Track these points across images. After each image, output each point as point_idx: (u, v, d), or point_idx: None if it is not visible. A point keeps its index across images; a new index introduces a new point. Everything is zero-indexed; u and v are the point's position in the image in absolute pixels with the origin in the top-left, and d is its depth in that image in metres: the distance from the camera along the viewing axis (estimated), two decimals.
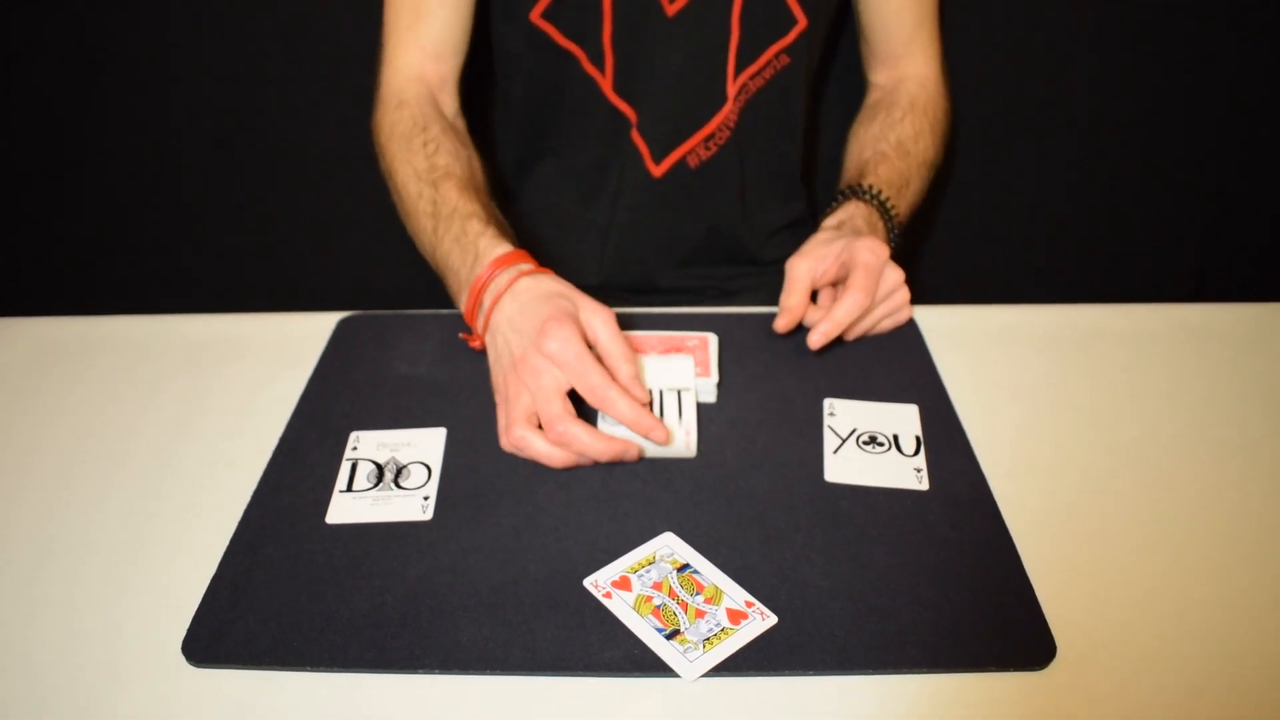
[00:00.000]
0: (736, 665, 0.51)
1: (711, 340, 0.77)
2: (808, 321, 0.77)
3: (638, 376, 0.66)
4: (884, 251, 0.76)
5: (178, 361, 0.78)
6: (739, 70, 0.89)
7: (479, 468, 0.65)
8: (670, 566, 0.57)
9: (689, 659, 0.51)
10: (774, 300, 0.79)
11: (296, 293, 1.25)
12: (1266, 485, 0.65)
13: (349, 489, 0.63)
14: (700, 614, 0.54)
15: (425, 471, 0.65)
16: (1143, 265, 1.26)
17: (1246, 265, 1.26)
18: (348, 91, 1.09)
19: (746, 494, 0.63)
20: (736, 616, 0.54)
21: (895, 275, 0.77)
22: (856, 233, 0.80)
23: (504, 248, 0.73)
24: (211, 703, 0.50)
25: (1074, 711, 0.50)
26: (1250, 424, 0.71)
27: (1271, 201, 1.21)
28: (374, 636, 0.53)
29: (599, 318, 0.67)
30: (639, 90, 0.89)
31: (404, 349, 0.78)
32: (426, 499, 0.63)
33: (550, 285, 0.69)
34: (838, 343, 0.77)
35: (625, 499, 0.63)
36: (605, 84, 0.89)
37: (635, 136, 0.91)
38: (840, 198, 0.87)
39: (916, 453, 0.67)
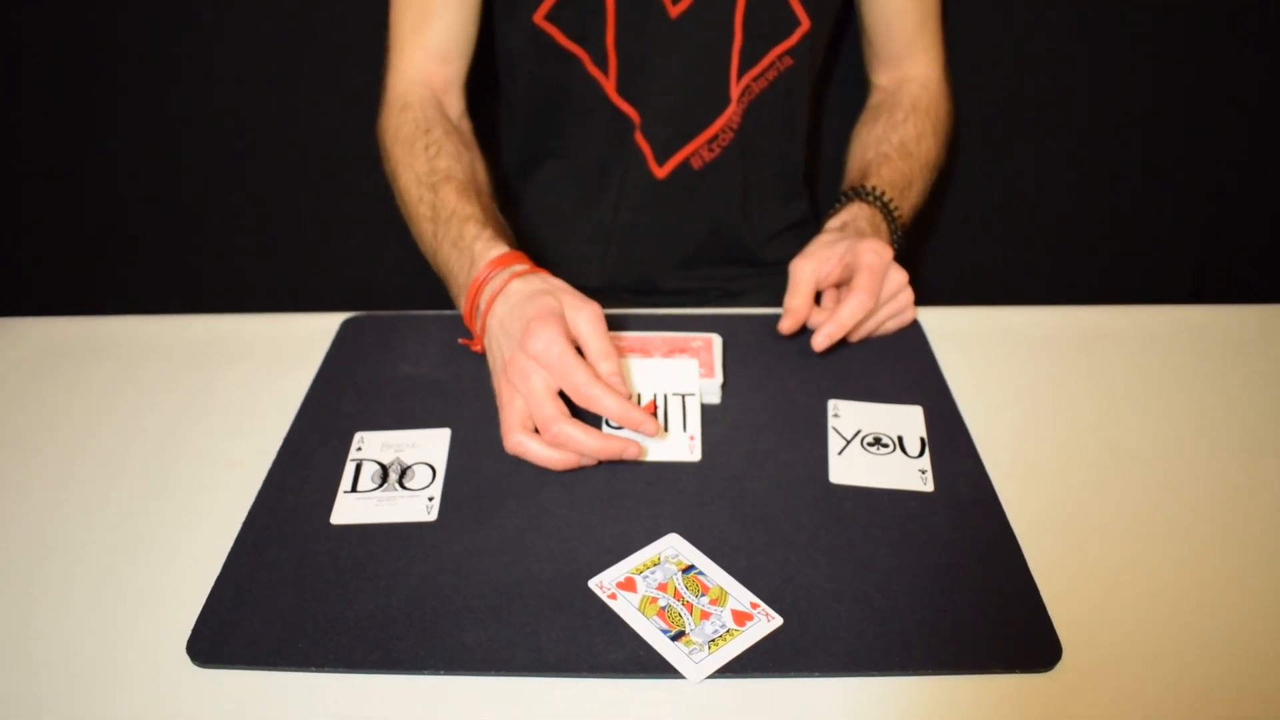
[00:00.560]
0: (742, 667, 0.51)
1: (715, 341, 0.77)
2: (812, 323, 0.77)
3: (619, 373, 0.66)
4: (888, 253, 0.76)
5: (182, 362, 0.78)
6: (742, 72, 0.89)
7: (484, 468, 0.65)
8: (675, 568, 0.57)
9: (694, 660, 0.51)
10: (777, 301, 0.79)
11: (300, 293, 1.25)
12: (1270, 486, 0.65)
13: (353, 489, 0.63)
14: (705, 615, 0.54)
15: (430, 472, 0.65)
16: (1143, 266, 1.26)
17: (1247, 266, 1.26)
18: (352, 92, 1.09)
19: (751, 495, 0.63)
20: (742, 618, 0.54)
21: (899, 277, 0.77)
22: (860, 234, 0.80)
23: (499, 249, 0.73)
24: (216, 703, 0.50)
25: (1079, 713, 0.50)
26: (1253, 424, 0.71)
27: (1272, 202, 1.21)
28: (379, 637, 0.53)
29: (583, 314, 0.67)
30: (642, 92, 0.89)
31: (408, 349, 0.78)
32: (431, 500, 0.63)
33: (538, 284, 0.69)
34: (842, 344, 0.77)
35: (630, 500, 0.62)
36: (608, 86, 0.89)
37: (638, 138, 0.91)
38: (843, 199, 0.87)
39: (921, 454, 0.67)
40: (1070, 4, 1.06)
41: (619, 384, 0.65)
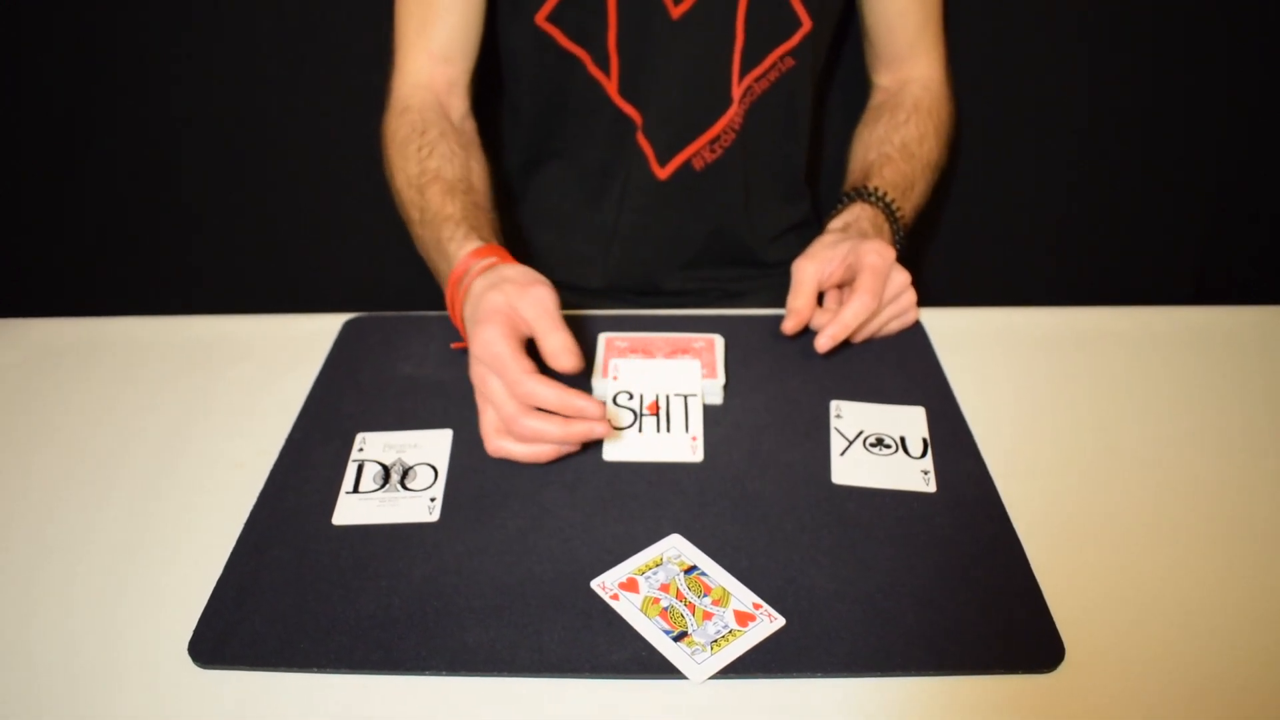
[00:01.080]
0: (744, 667, 0.51)
1: (717, 342, 0.77)
2: (815, 324, 0.77)
3: (569, 347, 0.64)
4: (890, 254, 0.76)
5: (183, 363, 0.78)
6: (744, 73, 0.89)
7: (485, 469, 0.65)
8: (678, 568, 0.57)
9: (696, 661, 0.51)
10: (779, 302, 0.79)
11: (302, 294, 1.25)
12: (1271, 486, 0.65)
13: (355, 490, 0.63)
14: (708, 616, 0.54)
15: (431, 473, 0.65)
16: (1144, 267, 1.26)
17: (1247, 267, 1.26)
18: (353, 92, 1.09)
19: (753, 496, 0.63)
20: (744, 618, 0.54)
21: (902, 277, 0.77)
22: (862, 235, 0.80)
23: (469, 246, 0.73)
24: (217, 704, 0.50)
25: (1082, 714, 0.50)
26: (1254, 425, 0.71)
27: (1272, 203, 1.21)
28: (380, 638, 0.53)
29: (526, 299, 0.65)
30: (644, 93, 0.89)
31: (410, 350, 0.78)
32: (433, 500, 0.62)
33: (488, 282, 0.68)
34: (844, 345, 0.77)
35: (632, 501, 0.62)
36: (610, 87, 0.89)
37: (640, 139, 0.91)
38: (845, 200, 0.87)
39: (923, 455, 0.66)
40: (1071, 5, 1.06)
41: (566, 359, 0.64)
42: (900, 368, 0.76)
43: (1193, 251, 1.25)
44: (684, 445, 0.67)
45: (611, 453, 0.67)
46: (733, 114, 0.90)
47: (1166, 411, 0.72)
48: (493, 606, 0.55)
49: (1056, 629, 0.53)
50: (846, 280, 0.78)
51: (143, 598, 0.57)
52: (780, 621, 0.53)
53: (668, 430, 0.68)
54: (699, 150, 0.92)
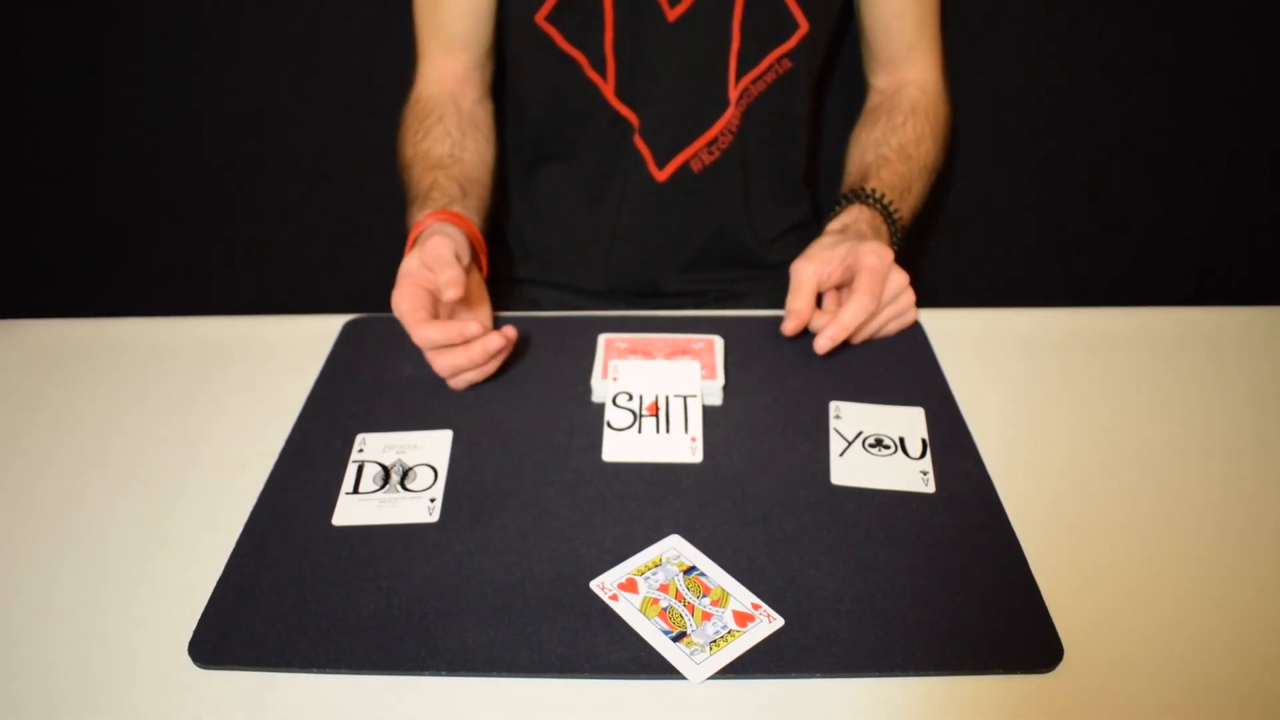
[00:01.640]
0: (743, 668, 0.51)
1: (717, 343, 0.77)
2: (814, 326, 0.77)
3: (455, 280, 0.69)
4: (889, 255, 0.76)
5: (184, 363, 0.79)
6: (740, 75, 0.89)
7: (485, 470, 0.65)
8: (677, 569, 0.57)
9: (696, 661, 0.51)
10: (779, 303, 0.79)
11: (303, 295, 1.25)
12: (1272, 487, 0.65)
13: (355, 491, 0.64)
14: (707, 616, 0.54)
15: (431, 474, 0.65)
16: (1145, 267, 1.26)
17: (1248, 267, 1.26)
18: (356, 95, 1.09)
19: (752, 497, 0.63)
20: (743, 619, 0.54)
21: (900, 278, 0.77)
22: (860, 237, 0.80)
23: (415, 219, 0.80)
24: (218, 704, 0.50)
25: (1081, 714, 0.50)
26: (1255, 426, 0.71)
27: (1273, 204, 1.21)
28: (380, 638, 0.53)
29: (418, 255, 0.72)
30: (641, 95, 0.89)
31: (410, 351, 0.78)
32: (433, 501, 0.63)
33: (415, 250, 0.74)
34: (844, 346, 0.77)
35: (631, 501, 0.63)
36: (607, 89, 0.89)
37: (638, 141, 0.91)
38: (843, 201, 0.87)
39: (922, 455, 0.67)
40: (1072, 6, 1.07)
41: (454, 286, 0.69)
42: (899, 368, 0.76)
43: (1192, 252, 1.25)
44: (683, 446, 0.67)
45: (611, 453, 0.67)
46: (730, 116, 0.90)
47: (1165, 412, 0.72)
48: (492, 607, 0.55)
49: (1055, 629, 0.53)
50: (845, 281, 0.78)
51: (143, 598, 0.57)
52: (779, 622, 0.53)
53: (667, 431, 0.68)
54: (697, 152, 0.92)
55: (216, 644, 0.53)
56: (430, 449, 0.67)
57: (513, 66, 0.96)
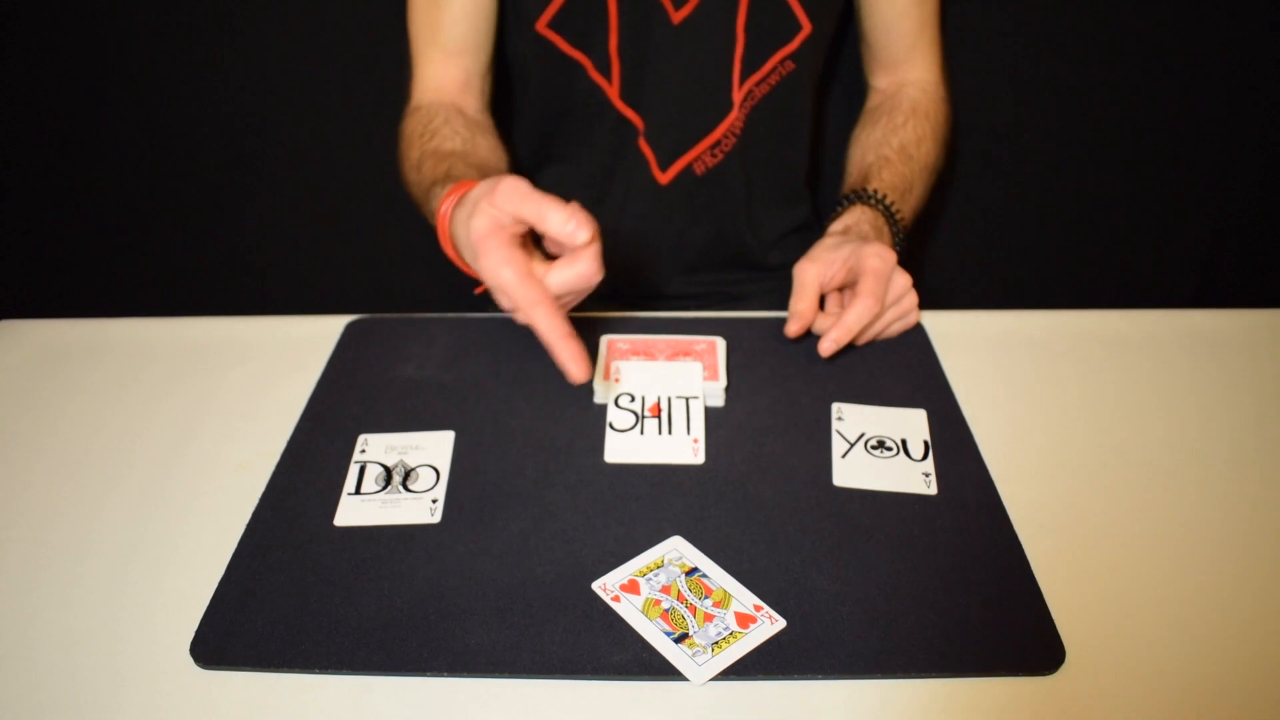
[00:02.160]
0: (745, 669, 0.51)
1: (719, 344, 0.77)
2: (817, 328, 0.77)
3: (576, 216, 0.60)
4: (892, 257, 0.76)
5: (186, 364, 0.79)
6: (744, 77, 0.89)
7: (487, 471, 0.65)
8: (679, 570, 0.57)
9: (698, 662, 0.51)
10: (781, 305, 0.79)
11: (305, 296, 1.26)
12: (1273, 489, 0.65)
13: (357, 492, 0.64)
14: (709, 618, 0.54)
15: (433, 474, 0.65)
16: (1147, 270, 1.26)
17: (1250, 270, 1.26)
18: (357, 95, 1.09)
19: (754, 498, 0.63)
20: (745, 620, 0.54)
21: (903, 280, 0.77)
22: (863, 238, 0.80)
23: (444, 193, 0.72)
24: (219, 705, 0.50)
25: (1083, 716, 0.50)
26: (1256, 429, 0.71)
27: (1275, 206, 1.21)
28: (382, 639, 0.53)
29: (502, 198, 0.61)
30: (645, 98, 0.89)
31: (412, 352, 0.78)
32: (435, 502, 0.63)
33: (463, 211, 0.66)
34: (847, 348, 0.77)
35: (633, 503, 0.62)
36: (612, 92, 0.89)
37: (642, 144, 0.91)
38: (845, 202, 0.87)
39: (924, 457, 0.66)
40: (1073, 7, 1.07)
41: (582, 230, 0.60)
42: (901, 370, 0.76)
43: (1194, 254, 1.25)
44: (685, 447, 0.67)
45: (613, 455, 0.67)
46: (733, 118, 0.90)
47: (1167, 414, 0.72)
48: (494, 608, 0.55)
49: (1057, 631, 0.53)
50: (848, 283, 0.78)
51: (145, 599, 0.57)
52: (781, 623, 0.53)
53: (669, 432, 0.68)
54: (700, 155, 0.92)
55: (218, 645, 0.53)
56: (432, 450, 0.67)
57: (514, 73, 0.96)
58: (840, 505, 0.62)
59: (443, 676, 0.51)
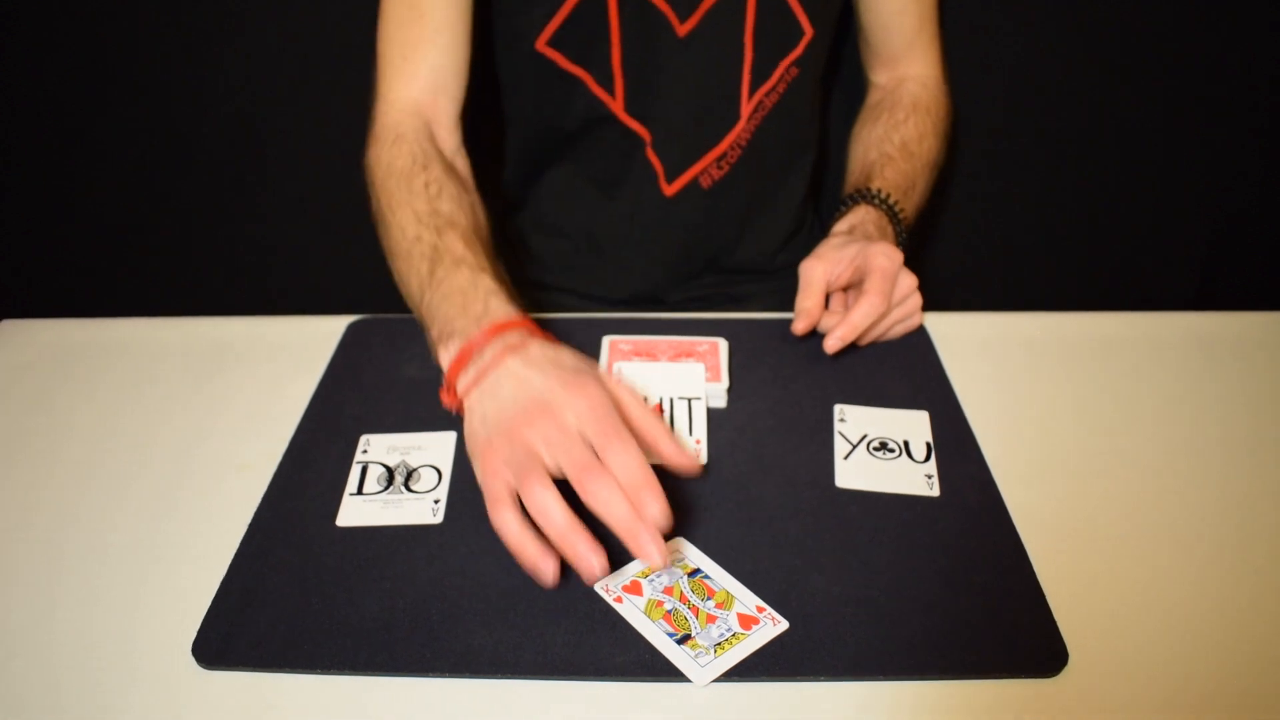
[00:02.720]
0: (747, 670, 0.51)
1: (721, 345, 0.77)
2: (823, 326, 0.76)
3: (677, 442, 0.57)
4: (899, 256, 0.76)
5: (188, 364, 0.79)
6: (754, 88, 0.88)
7: None
8: (681, 571, 0.57)
9: (700, 664, 0.51)
10: (783, 306, 0.79)
11: (307, 296, 1.26)
12: (1276, 492, 0.65)
13: (359, 492, 0.63)
14: (711, 619, 0.54)
15: (436, 475, 0.65)
16: (1146, 271, 1.26)
17: (1251, 272, 1.26)
18: (359, 95, 1.09)
19: (756, 499, 0.63)
20: (748, 621, 0.54)
21: (909, 281, 0.77)
22: (868, 237, 0.80)
23: (513, 310, 0.65)
24: (221, 705, 0.50)
25: (1085, 718, 0.50)
26: (1258, 431, 0.71)
27: (1275, 207, 1.21)
28: (384, 640, 0.53)
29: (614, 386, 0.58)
30: (652, 110, 0.88)
31: (414, 352, 0.78)
32: (437, 502, 0.63)
33: (569, 354, 0.61)
34: (850, 348, 0.77)
35: None
36: (615, 106, 0.87)
37: (650, 155, 0.90)
38: (849, 201, 0.87)
39: (927, 459, 0.66)
40: (1073, 7, 1.07)
41: (681, 454, 0.57)
42: (904, 372, 0.76)
43: (1195, 256, 1.25)
44: (688, 449, 0.67)
45: None
46: (740, 129, 0.89)
47: (1169, 416, 0.72)
48: (496, 609, 0.55)
49: (1060, 634, 0.53)
50: (854, 282, 0.78)
51: (147, 599, 0.57)
52: (784, 625, 0.53)
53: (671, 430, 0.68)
54: (706, 168, 0.91)
55: (220, 645, 0.53)
56: (434, 450, 0.67)
57: (506, 90, 0.93)
58: (842, 506, 0.62)
59: (445, 677, 0.51)
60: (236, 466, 0.67)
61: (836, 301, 0.80)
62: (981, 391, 0.74)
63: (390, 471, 0.65)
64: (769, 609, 0.54)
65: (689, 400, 0.71)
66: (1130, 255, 1.25)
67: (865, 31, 0.96)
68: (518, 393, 0.58)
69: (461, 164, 0.83)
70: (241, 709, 0.50)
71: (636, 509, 0.51)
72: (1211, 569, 0.59)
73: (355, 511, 0.62)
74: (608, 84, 0.86)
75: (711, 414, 0.71)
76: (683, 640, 0.52)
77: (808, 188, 1.02)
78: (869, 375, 0.75)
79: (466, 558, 0.58)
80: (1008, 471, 0.66)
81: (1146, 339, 0.81)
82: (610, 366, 0.74)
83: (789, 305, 0.78)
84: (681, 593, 0.55)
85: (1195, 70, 1.10)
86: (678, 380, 0.72)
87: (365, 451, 0.67)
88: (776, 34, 0.86)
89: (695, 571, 0.57)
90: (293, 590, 0.56)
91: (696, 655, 0.52)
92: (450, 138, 0.84)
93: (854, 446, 0.68)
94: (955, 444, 0.68)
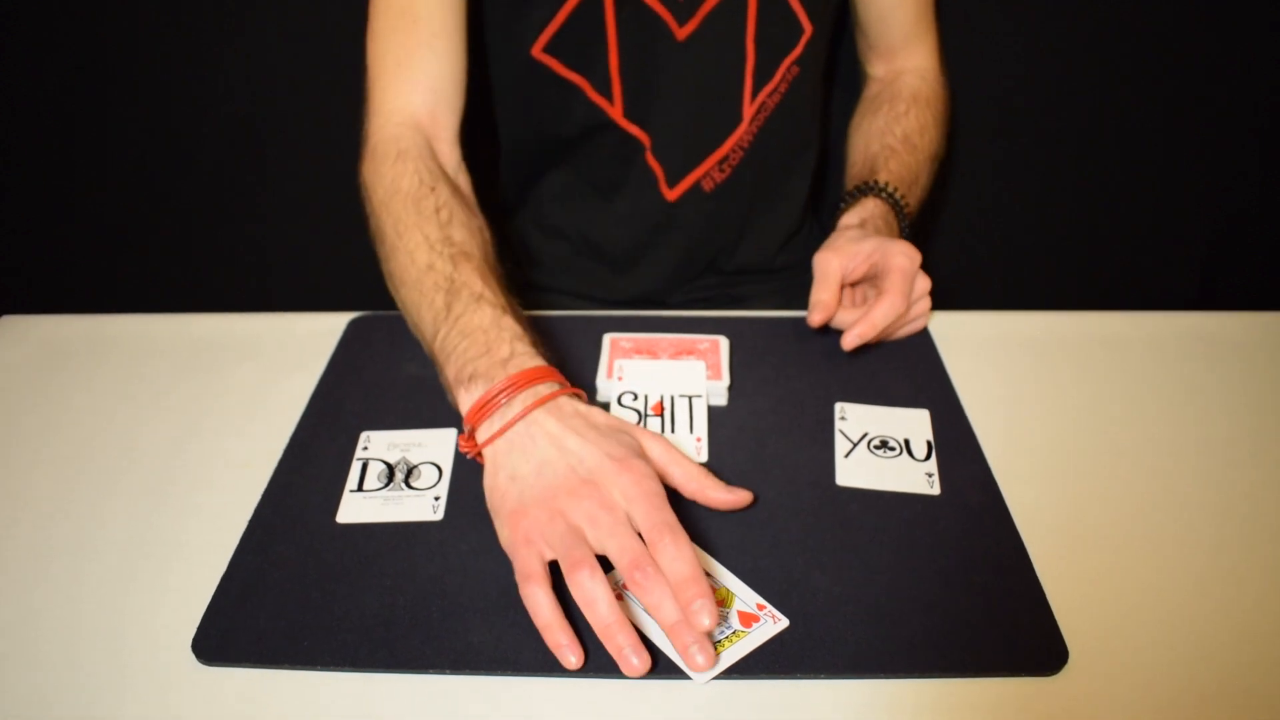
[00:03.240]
0: (747, 668, 0.51)
1: (722, 343, 0.77)
2: (837, 322, 0.76)
3: (717, 483, 0.59)
4: (918, 257, 0.75)
5: (189, 361, 0.79)
6: (756, 90, 0.87)
7: None
8: None
9: None
10: (784, 305, 0.79)
11: (307, 292, 1.26)
12: (1276, 491, 0.65)
13: (359, 489, 0.63)
14: None
15: (436, 472, 0.65)
16: (1148, 271, 1.26)
17: (1253, 272, 1.26)
18: (359, 93, 1.09)
19: (757, 498, 0.63)
20: (748, 619, 0.53)
21: (924, 283, 0.76)
22: (878, 231, 0.79)
23: (540, 360, 0.62)
24: (221, 702, 0.50)
25: (1086, 717, 0.50)
26: (1259, 431, 0.71)
27: (1276, 208, 1.21)
28: (384, 636, 0.53)
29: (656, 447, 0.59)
30: (651, 115, 0.87)
31: (415, 349, 0.78)
32: (437, 499, 0.62)
33: (602, 416, 0.60)
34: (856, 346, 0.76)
35: None
36: (614, 111, 0.86)
37: (650, 159, 0.89)
38: (856, 194, 0.86)
39: (927, 457, 0.66)
40: (1074, 7, 1.07)
41: (734, 494, 0.60)
42: (905, 370, 0.76)
43: (1195, 256, 1.25)
44: (688, 446, 0.67)
45: None
46: (742, 131, 0.89)
47: (1170, 416, 0.72)
48: (497, 606, 0.55)
49: (1060, 632, 0.53)
50: (868, 277, 0.77)
51: (147, 595, 0.57)
52: (784, 623, 0.53)
53: (672, 431, 0.68)
54: (708, 171, 0.91)
55: (220, 641, 0.53)
56: (435, 447, 0.67)
57: (500, 96, 0.92)
58: (843, 505, 0.62)
59: (445, 674, 0.51)
60: (237, 463, 0.67)
61: (846, 297, 0.79)
62: (982, 390, 0.74)
63: (390, 468, 0.65)
64: (769, 606, 0.54)
65: (690, 398, 0.71)
66: (1130, 255, 1.25)
67: (862, 25, 0.95)
68: (554, 458, 0.57)
69: (464, 182, 0.80)
70: (241, 705, 0.50)
71: (686, 614, 0.50)
72: (1212, 568, 0.59)
73: (355, 508, 0.62)
74: (605, 90, 0.85)
75: (712, 412, 0.71)
76: None
77: (809, 186, 1.01)
78: (870, 374, 0.75)
79: (467, 555, 0.58)
80: (1008, 470, 0.66)
81: (1147, 339, 0.81)
82: (612, 364, 0.74)
83: (790, 305, 0.77)
84: None
85: (1195, 70, 1.10)
86: (679, 378, 0.72)
87: (365, 448, 0.67)
88: (777, 34, 0.85)
89: None
90: (293, 587, 0.56)
91: None
92: (451, 154, 0.81)
93: (854, 445, 0.68)
94: (956, 443, 0.68)
